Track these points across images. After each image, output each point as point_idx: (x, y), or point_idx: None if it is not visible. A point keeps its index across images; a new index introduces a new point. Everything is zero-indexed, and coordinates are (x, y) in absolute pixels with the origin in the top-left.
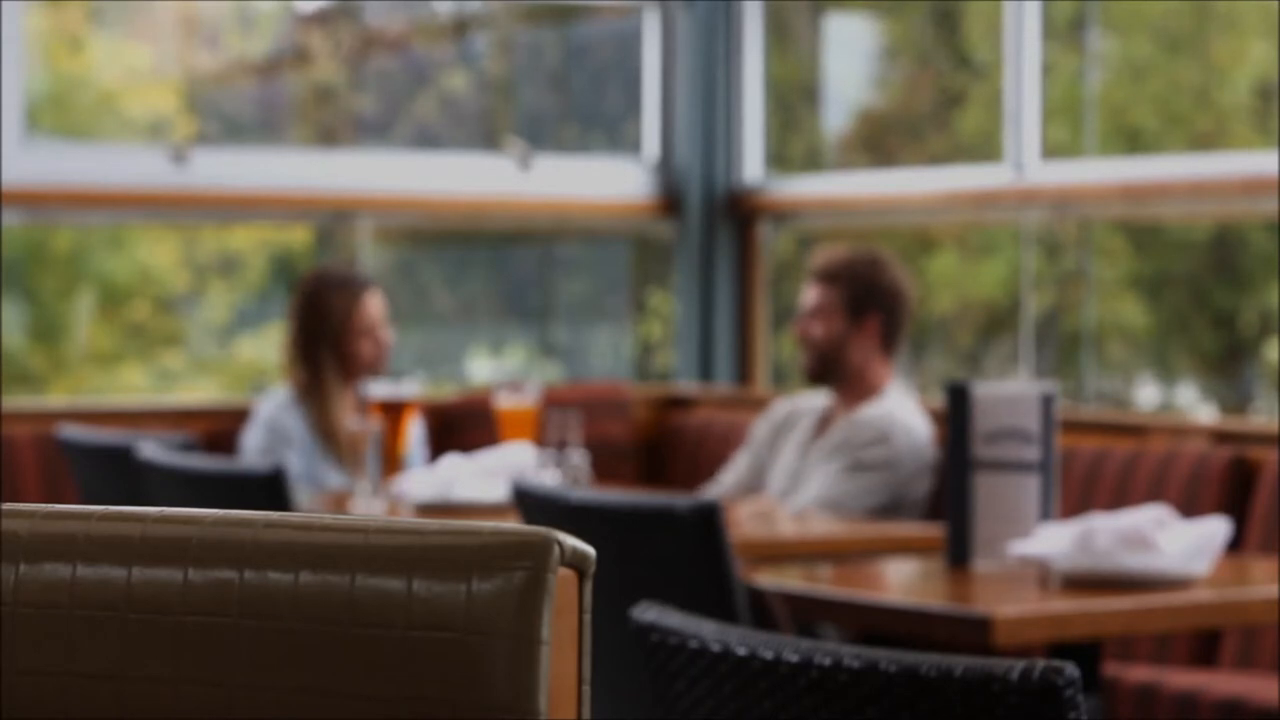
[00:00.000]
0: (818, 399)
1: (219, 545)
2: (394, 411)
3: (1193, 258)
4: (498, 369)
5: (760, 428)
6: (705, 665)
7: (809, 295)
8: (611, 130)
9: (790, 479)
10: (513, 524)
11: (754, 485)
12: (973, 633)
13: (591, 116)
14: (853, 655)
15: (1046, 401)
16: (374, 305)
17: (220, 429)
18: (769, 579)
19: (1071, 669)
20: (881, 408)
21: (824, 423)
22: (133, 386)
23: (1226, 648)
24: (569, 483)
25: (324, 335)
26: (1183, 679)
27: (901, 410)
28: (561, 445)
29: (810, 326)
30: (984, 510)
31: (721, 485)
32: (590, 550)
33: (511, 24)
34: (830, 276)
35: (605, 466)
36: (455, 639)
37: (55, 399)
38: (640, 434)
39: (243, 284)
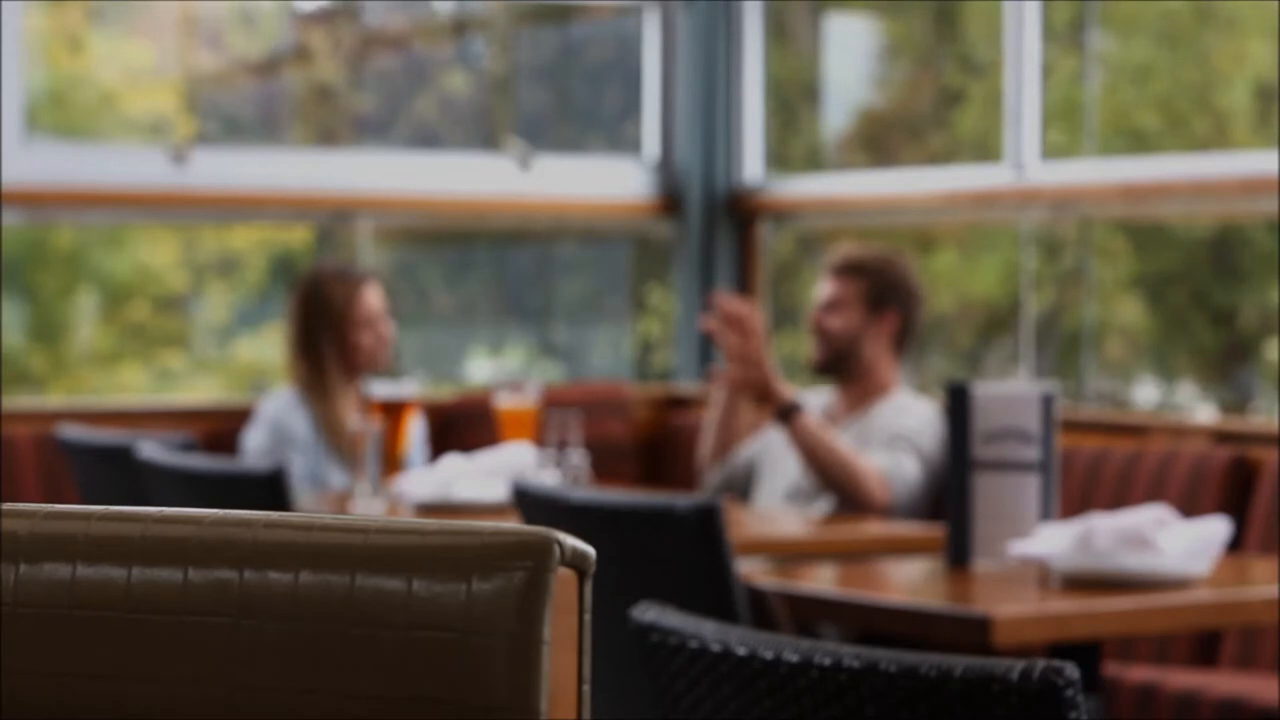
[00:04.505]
0: (818, 397)
1: (219, 545)
2: (394, 411)
3: (1193, 257)
4: (498, 369)
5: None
6: (705, 665)
7: (826, 288)
8: (611, 130)
9: (780, 465)
10: (513, 524)
11: (740, 479)
12: (973, 633)
13: (591, 116)
14: (853, 655)
15: (1046, 401)
16: (373, 297)
17: (220, 429)
18: (769, 579)
19: (1071, 669)
20: (897, 403)
21: (828, 420)
22: (133, 386)
23: (1226, 648)
24: (569, 483)
25: (325, 328)
26: (1183, 679)
27: (920, 406)
28: (561, 445)
29: (827, 318)
30: (984, 510)
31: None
32: (590, 550)
33: (511, 24)
34: (850, 270)
35: (605, 466)
36: (455, 639)
37: (55, 399)
38: (640, 434)
39: (243, 284)
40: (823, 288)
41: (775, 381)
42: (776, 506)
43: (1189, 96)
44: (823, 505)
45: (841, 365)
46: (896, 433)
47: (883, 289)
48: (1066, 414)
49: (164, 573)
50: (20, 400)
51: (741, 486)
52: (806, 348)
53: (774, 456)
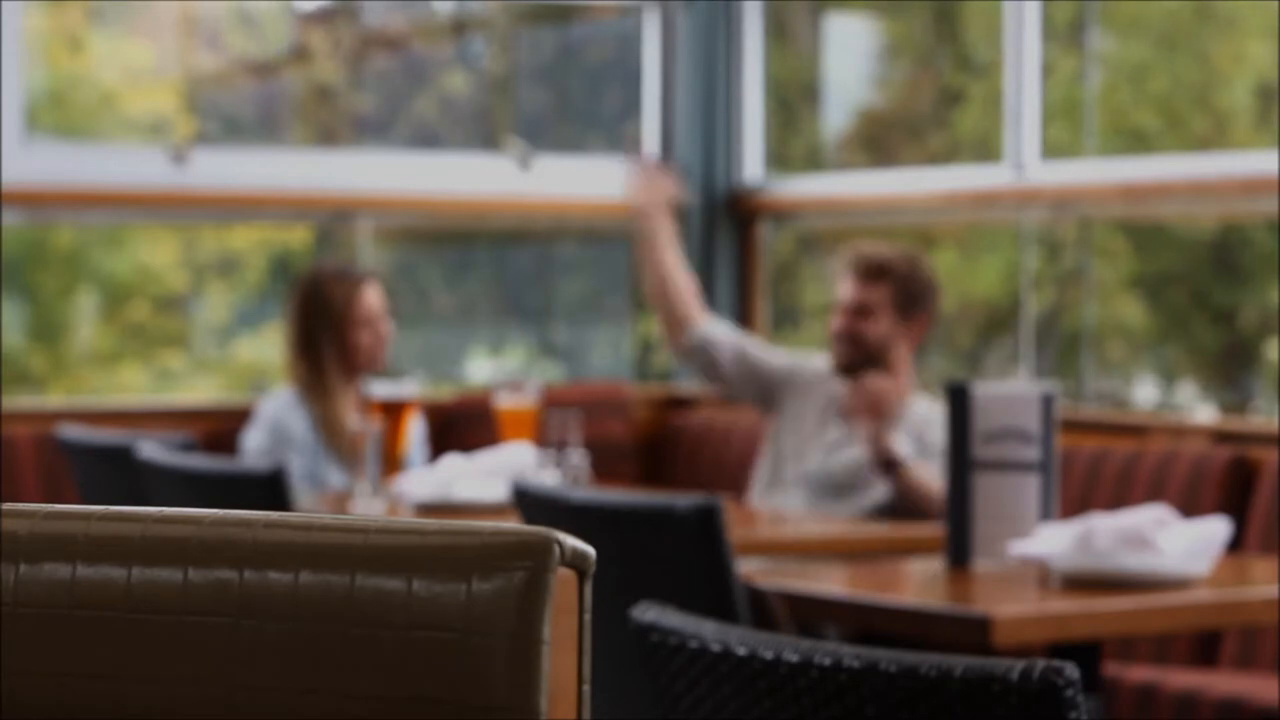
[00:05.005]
0: (829, 381)
1: (219, 545)
2: (394, 411)
3: (1193, 257)
4: (498, 369)
5: (780, 358)
6: (705, 665)
7: (849, 290)
8: (611, 130)
9: (804, 447)
10: (513, 524)
11: (754, 381)
12: (973, 633)
13: (591, 116)
14: (853, 655)
15: (1046, 401)
16: (372, 296)
17: (220, 429)
18: (769, 579)
19: (1071, 669)
20: (922, 411)
21: (837, 410)
22: (133, 386)
23: (1226, 648)
24: (569, 483)
25: (325, 327)
26: (1183, 679)
27: (937, 412)
28: (561, 445)
29: (860, 325)
30: (984, 510)
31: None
32: (590, 550)
33: (511, 24)
34: (876, 273)
35: (605, 466)
36: (455, 639)
37: (55, 399)
38: (640, 434)
39: (243, 284)
40: (845, 289)
41: (887, 438)
42: (801, 497)
43: (1188, 96)
44: (853, 505)
45: (865, 367)
46: (930, 444)
47: (911, 293)
48: (1066, 414)
49: (164, 573)
50: (20, 400)
51: (761, 395)
52: (831, 349)
53: (810, 420)
